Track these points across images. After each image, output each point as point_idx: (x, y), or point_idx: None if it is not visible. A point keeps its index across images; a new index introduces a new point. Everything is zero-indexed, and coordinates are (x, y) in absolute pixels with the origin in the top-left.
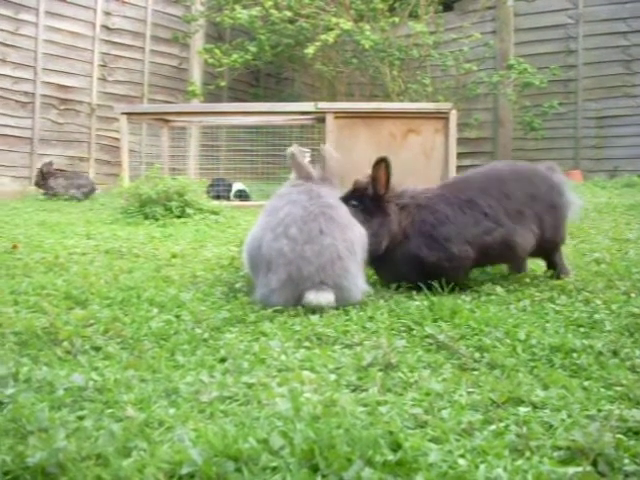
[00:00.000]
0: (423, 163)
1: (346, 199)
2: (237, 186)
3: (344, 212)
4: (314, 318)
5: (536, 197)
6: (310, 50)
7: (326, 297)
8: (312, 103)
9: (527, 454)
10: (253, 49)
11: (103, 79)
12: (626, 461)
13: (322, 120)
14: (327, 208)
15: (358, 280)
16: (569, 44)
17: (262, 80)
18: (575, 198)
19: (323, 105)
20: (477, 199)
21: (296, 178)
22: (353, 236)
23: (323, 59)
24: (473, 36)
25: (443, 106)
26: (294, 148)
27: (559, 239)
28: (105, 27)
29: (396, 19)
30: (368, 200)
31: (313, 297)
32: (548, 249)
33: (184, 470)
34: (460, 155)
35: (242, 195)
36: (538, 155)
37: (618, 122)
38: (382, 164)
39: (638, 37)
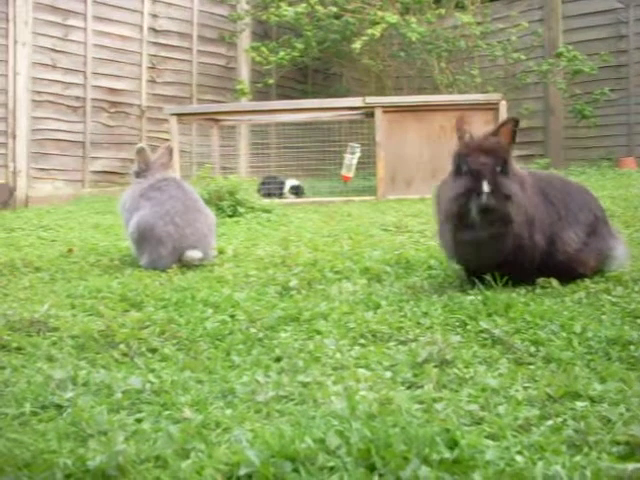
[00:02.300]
0: None
1: (488, 165)
2: (291, 182)
3: (202, 203)
4: (368, 315)
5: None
6: (357, 45)
7: (198, 253)
8: (360, 98)
9: (585, 450)
10: (300, 46)
11: (152, 81)
12: None
13: (371, 115)
14: (196, 202)
15: (213, 248)
16: (620, 29)
17: (310, 77)
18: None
19: (371, 100)
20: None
21: (138, 169)
22: (211, 220)
23: (370, 53)
24: (521, 25)
25: (492, 97)
26: (143, 144)
27: None
28: (152, 29)
29: (442, 10)
30: (507, 165)
31: (190, 253)
32: None
33: (242, 471)
34: None
35: (297, 191)
36: (591, 143)
37: None
38: (510, 123)
39: None
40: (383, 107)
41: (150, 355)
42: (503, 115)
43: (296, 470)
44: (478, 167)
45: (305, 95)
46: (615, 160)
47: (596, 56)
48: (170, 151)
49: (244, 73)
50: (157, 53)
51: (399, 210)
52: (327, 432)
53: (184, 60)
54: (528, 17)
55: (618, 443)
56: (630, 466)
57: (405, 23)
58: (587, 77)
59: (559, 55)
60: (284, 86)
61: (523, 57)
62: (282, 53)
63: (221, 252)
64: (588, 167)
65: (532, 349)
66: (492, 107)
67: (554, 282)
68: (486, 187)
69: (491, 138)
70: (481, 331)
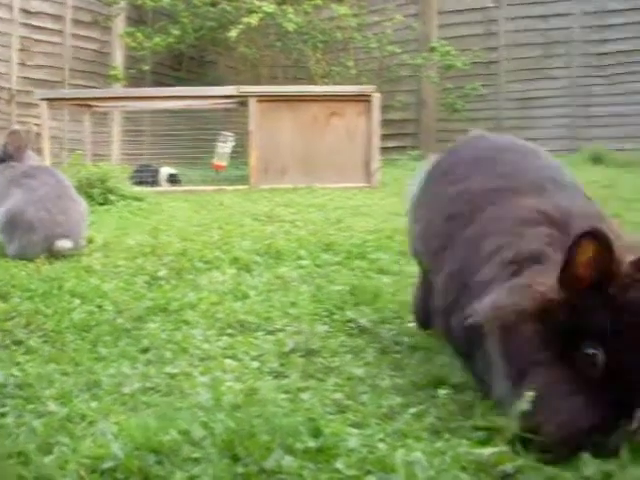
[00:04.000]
0: (347, 146)
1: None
2: (168, 170)
3: (74, 191)
4: (237, 305)
5: None
6: (233, 33)
7: (68, 243)
8: (234, 87)
9: (446, 436)
10: (176, 32)
11: (22, 64)
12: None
13: (245, 104)
14: (68, 190)
15: (84, 237)
16: (491, 27)
17: (185, 64)
18: None
19: (245, 89)
20: None
21: (9, 152)
22: (82, 208)
23: (246, 42)
24: (396, 18)
25: (366, 89)
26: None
27: None
28: (24, 10)
29: (319, 1)
30: None
31: (60, 243)
32: None
33: (106, 465)
34: (384, 137)
35: (174, 179)
36: (460, 136)
37: (539, 104)
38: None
39: (557, 20)
40: (257, 96)
41: (15, 347)
42: (376, 106)
43: (160, 462)
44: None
45: (180, 82)
46: None
47: (468, 52)
48: (35, 137)
49: (118, 58)
50: (29, 35)
51: (271, 200)
52: (192, 423)
53: (57, 43)
54: (404, 11)
55: (478, 429)
56: (487, 451)
57: (282, 13)
58: (459, 72)
59: (433, 49)
60: (159, 73)
61: (398, 50)
62: (157, 39)
63: (91, 241)
64: None
65: (398, 338)
66: (365, 99)
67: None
68: None
69: None
70: (348, 321)
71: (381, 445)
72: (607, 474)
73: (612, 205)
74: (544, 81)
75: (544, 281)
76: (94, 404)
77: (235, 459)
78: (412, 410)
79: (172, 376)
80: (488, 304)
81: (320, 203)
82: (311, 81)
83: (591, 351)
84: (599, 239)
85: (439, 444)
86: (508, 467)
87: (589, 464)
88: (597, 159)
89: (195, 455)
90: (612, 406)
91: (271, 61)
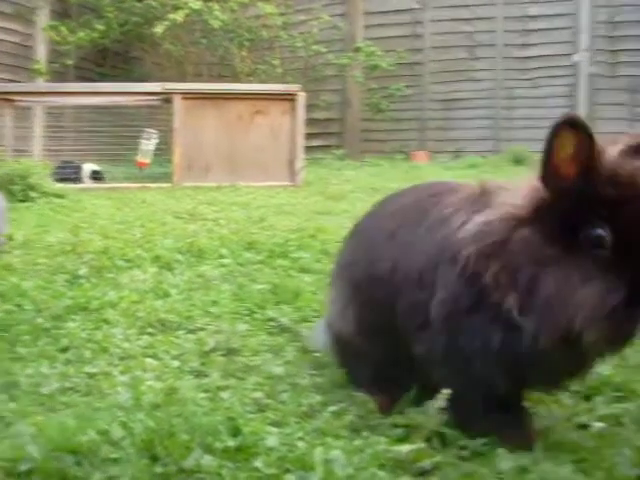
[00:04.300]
0: (271, 144)
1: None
2: (91, 167)
3: None
4: (158, 304)
5: None
6: (158, 29)
7: None
8: (159, 84)
9: (365, 433)
10: (100, 27)
11: None
12: (460, 435)
13: (170, 101)
14: None
15: (3, 235)
16: (416, 29)
17: (110, 59)
18: None
19: (170, 86)
20: None
21: None
22: (1, 205)
23: (172, 39)
24: (322, 18)
25: (291, 87)
26: None
27: None
28: None
29: None
30: None
31: None
32: None
33: (23, 467)
34: (308, 136)
35: (98, 177)
36: (386, 136)
37: (462, 105)
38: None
39: (481, 23)
40: (182, 93)
41: None
42: (301, 105)
43: (79, 463)
44: None
45: (104, 78)
46: (408, 153)
47: (393, 53)
48: None
49: (41, 52)
50: None
51: (194, 198)
52: (111, 423)
53: None
54: (330, 11)
55: (397, 426)
56: (405, 448)
57: (208, 10)
58: (384, 72)
59: (358, 50)
60: (83, 68)
61: (323, 50)
62: (82, 34)
63: (10, 239)
64: (382, 159)
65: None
66: (290, 98)
67: None
68: None
69: None
70: (269, 319)
71: (300, 444)
72: (522, 469)
73: None
74: (468, 83)
75: (521, 192)
76: (12, 405)
77: (154, 459)
78: (332, 408)
79: (91, 376)
80: (473, 230)
81: (243, 201)
82: (236, 79)
83: (596, 233)
84: (578, 126)
85: (358, 442)
86: (426, 463)
87: (505, 459)
88: (518, 160)
89: (114, 455)
90: (631, 283)
91: (196, 58)
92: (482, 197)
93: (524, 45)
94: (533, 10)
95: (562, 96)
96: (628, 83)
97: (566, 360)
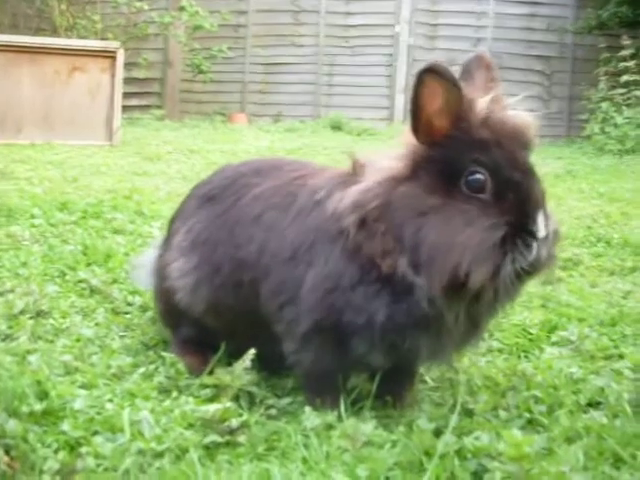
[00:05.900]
0: (88, 103)
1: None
2: None
3: None
4: None
5: None
6: None
7: None
8: None
9: (175, 394)
10: None
11: None
12: (268, 394)
13: None
14: None
15: None
16: None
17: None
18: None
19: None
20: None
21: None
22: None
23: None
24: None
25: (111, 44)
26: None
27: None
28: None
29: None
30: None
31: None
32: None
33: None
34: (127, 95)
35: None
36: (206, 98)
37: (284, 69)
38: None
39: None
40: None
41: None
42: (120, 63)
43: None
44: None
45: None
46: (228, 115)
47: (217, 14)
48: None
49: None
50: None
51: (7, 156)
52: None
53: None
54: None
55: (206, 386)
56: (212, 407)
57: None
58: (207, 33)
59: (182, 9)
60: None
61: (146, 7)
62: None
63: None
64: (202, 121)
65: (129, 298)
66: (110, 55)
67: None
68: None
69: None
70: (80, 281)
71: (109, 405)
72: (328, 425)
73: None
74: (290, 48)
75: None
76: None
77: None
78: (141, 370)
79: None
80: (351, 200)
81: (58, 160)
82: (55, 33)
83: (475, 177)
84: (443, 74)
85: (167, 403)
86: (234, 422)
87: (310, 417)
88: (336, 126)
89: None
90: (511, 222)
91: (12, 9)
92: (353, 176)
93: (347, 14)
94: None
95: (382, 65)
96: (445, 55)
97: (458, 322)
